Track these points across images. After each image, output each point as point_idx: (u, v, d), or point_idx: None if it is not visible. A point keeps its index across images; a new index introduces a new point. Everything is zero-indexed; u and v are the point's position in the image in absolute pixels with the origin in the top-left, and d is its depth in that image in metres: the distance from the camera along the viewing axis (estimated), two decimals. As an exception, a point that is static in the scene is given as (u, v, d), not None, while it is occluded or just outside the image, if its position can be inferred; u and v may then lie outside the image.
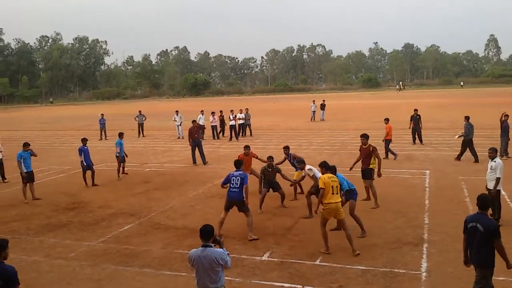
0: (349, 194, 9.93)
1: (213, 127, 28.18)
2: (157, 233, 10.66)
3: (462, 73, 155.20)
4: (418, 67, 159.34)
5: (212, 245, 5.60)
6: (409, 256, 8.57)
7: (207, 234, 5.62)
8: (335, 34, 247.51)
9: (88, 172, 16.13)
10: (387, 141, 18.95)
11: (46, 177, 17.84)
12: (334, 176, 9.14)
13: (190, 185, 15.53)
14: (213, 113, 28.14)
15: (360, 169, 12.29)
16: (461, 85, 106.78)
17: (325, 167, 9.38)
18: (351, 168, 12.72)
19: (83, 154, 15.99)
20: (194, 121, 20.80)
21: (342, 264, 8.33)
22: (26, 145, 14.55)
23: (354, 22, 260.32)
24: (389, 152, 18.88)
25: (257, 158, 13.98)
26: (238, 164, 10.53)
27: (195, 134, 19.79)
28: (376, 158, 12.00)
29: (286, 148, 13.64)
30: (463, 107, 43.11)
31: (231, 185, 10.11)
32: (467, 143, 18.04)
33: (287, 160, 13.59)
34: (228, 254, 5.66)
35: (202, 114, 28.63)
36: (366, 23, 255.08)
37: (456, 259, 8.28)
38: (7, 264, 5.26)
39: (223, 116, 28.85)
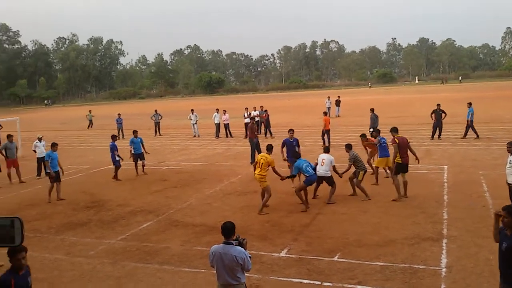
0: (305, 178, 11.71)
1: (226, 126, 28.22)
2: (175, 231, 10.75)
3: (478, 66, 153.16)
4: (434, 61, 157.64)
5: (234, 242, 5.61)
6: (429, 252, 8.51)
7: (228, 231, 5.64)
8: (347, 29, 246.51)
9: (115, 168, 16.96)
10: (327, 131, 21.98)
11: (66, 177, 18.04)
12: (265, 156, 11.61)
13: (207, 183, 15.61)
14: (224, 111, 28.21)
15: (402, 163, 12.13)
16: (460, 80, 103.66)
17: (267, 149, 11.87)
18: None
19: (116, 149, 16.81)
20: (253, 118, 20.56)
21: (361, 260, 8.30)
22: (54, 145, 14.70)
23: (366, 17, 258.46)
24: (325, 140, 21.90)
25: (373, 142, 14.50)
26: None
27: (255, 132, 19.28)
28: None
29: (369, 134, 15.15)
30: (481, 100, 42.54)
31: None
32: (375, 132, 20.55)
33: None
34: (250, 257, 5.64)
35: (217, 112, 28.70)
36: (379, 18, 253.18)
37: (476, 254, 8.22)
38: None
39: (268, 115, 27.74)
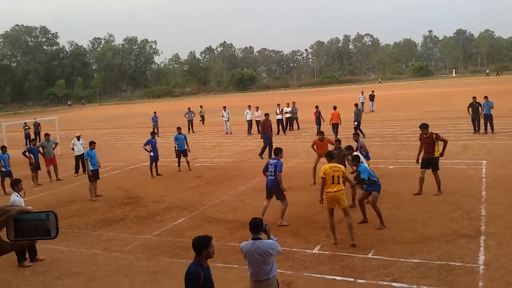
0: (372, 186, 9.99)
1: (258, 122, 28.22)
2: (209, 226, 10.86)
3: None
4: (472, 53, 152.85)
5: (262, 237, 5.68)
6: (466, 249, 8.30)
7: (256, 227, 5.72)
8: (381, 22, 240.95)
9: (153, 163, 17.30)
10: (335, 125, 23.02)
11: (102, 174, 18.48)
12: (337, 165, 9.33)
13: (239, 180, 15.70)
14: (257, 108, 28.26)
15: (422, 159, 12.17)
16: (487, 73, 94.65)
17: (329, 157, 9.76)
18: (418, 161, 12.41)
19: (150, 145, 17.12)
20: (266, 115, 20.77)
21: (396, 257, 8.18)
22: (92, 143, 15.09)
23: (401, 9, 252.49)
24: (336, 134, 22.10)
25: (332, 144, 13.74)
26: (276, 152, 10.87)
27: (268, 127, 19.73)
28: (442, 141, 12.09)
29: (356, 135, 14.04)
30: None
31: (268, 172, 10.46)
32: (358, 125, 22.36)
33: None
34: (276, 240, 5.83)
35: (249, 109, 28.77)
36: (414, 9, 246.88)
37: (516, 252, 7.96)
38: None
39: (319, 112, 26.80)
